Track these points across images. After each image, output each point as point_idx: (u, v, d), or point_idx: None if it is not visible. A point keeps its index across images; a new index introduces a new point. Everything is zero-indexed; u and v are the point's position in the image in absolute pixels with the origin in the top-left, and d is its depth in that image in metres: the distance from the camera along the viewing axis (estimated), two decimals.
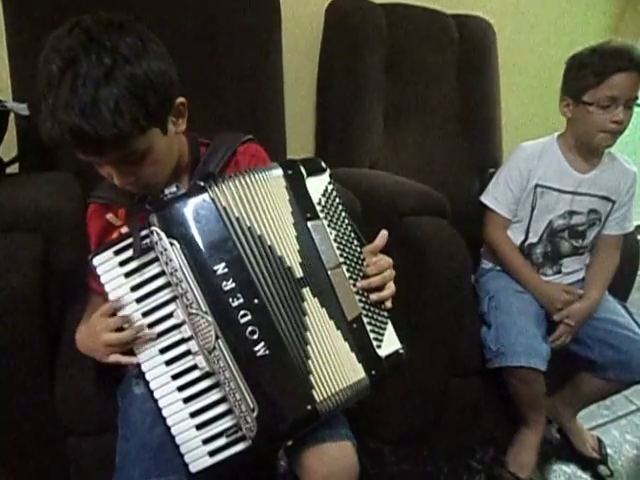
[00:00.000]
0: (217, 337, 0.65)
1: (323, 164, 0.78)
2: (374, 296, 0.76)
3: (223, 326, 0.65)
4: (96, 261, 0.68)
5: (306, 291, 0.71)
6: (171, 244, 0.64)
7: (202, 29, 1.33)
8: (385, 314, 0.78)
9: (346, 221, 0.77)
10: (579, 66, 1.20)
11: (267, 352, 0.66)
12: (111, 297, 0.68)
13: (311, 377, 0.69)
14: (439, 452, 1.34)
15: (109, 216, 0.81)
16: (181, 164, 0.79)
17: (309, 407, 0.69)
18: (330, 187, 0.77)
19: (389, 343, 0.77)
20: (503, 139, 1.84)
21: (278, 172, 0.73)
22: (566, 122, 1.29)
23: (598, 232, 1.32)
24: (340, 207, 0.77)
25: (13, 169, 1.19)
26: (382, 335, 0.77)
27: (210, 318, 0.65)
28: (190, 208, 0.66)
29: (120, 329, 0.68)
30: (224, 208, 0.67)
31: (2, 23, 1.20)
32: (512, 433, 1.31)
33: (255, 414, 0.66)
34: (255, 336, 0.66)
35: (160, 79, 0.65)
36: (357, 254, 0.77)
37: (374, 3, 1.57)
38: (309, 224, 0.73)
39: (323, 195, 0.76)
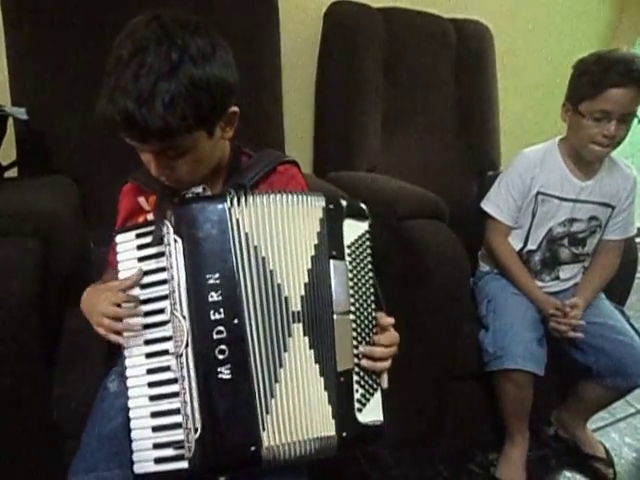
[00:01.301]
0: (187, 344, 0.64)
1: (367, 212, 0.75)
2: (365, 362, 0.71)
3: (195, 335, 0.63)
4: (119, 238, 0.70)
5: (297, 327, 0.67)
6: (175, 241, 0.65)
7: None
8: (377, 381, 0.73)
9: (370, 274, 0.73)
10: (580, 73, 1.20)
11: (229, 376, 0.63)
12: (120, 276, 0.70)
13: (268, 417, 0.65)
14: (439, 456, 1.34)
15: (141, 199, 0.81)
16: (219, 168, 0.79)
17: (253, 448, 0.63)
18: (366, 237, 0.73)
19: (371, 411, 0.71)
20: (501, 142, 1.84)
21: (320, 202, 0.71)
22: (567, 128, 1.27)
23: (599, 239, 1.32)
24: (369, 259, 0.73)
25: (12, 173, 1.20)
26: (367, 401, 0.71)
27: (186, 324, 0.64)
28: (203, 212, 0.65)
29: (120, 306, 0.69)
30: (237, 220, 0.66)
31: (1, 28, 1.20)
32: None
33: (197, 435, 0.62)
34: (223, 356, 0.63)
35: (219, 86, 0.66)
36: (369, 314, 0.72)
37: (372, 7, 1.58)
38: (332, 262, 0.70)
39: (356, 241, 0.73)
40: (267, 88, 1.44)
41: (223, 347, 0.63)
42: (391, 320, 0.75)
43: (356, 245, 0.73)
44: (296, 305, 0.68)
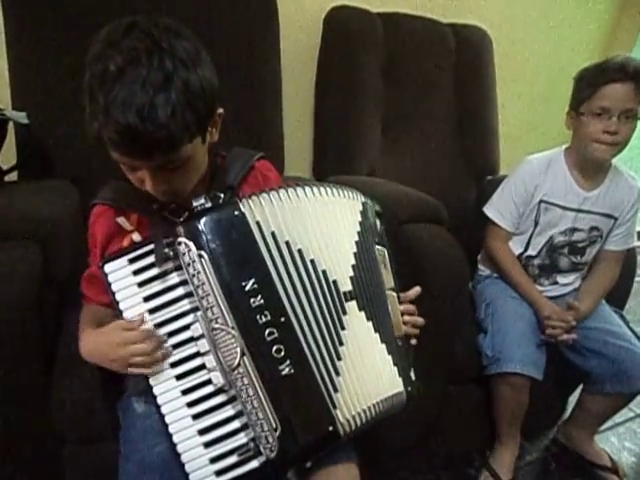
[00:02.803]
0: (243, 354, 0.64)
1: (381, 211, 0.85)
2: (411, 329, 0.82)
3: (249, 343, 0.64)
4: (108, 268, 0.67)
5: (351, 305, 0.72)
6: (200, 256, 0.63)
7: (200, 37, 1.34)
8: (412, 347, 0.83)
9: (392, 263, 0.82)
10: (579, 79, 1.21)
11: (292, 371, 0.65)
12: (121, 306, 0.67)
13: (338, 395, 0.69)
14: (438, 460, 1.34)
15: (120, 220, 0.77)
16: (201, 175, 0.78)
17: (330, 428, 0.68)
18: (384, 233, 0.83)
19: (412, 371, 0.81)
20: (501, 147, 1.85)
21: (360, 197, 0.79)
22: (571, 136, 1.27)
23: (599, 249, 1.31)
24: (389, 250, 0.82)
25: (12, 177, 1.20)
26: (410, 362, 0.81)
27: (236, 334, 0.64)
28: (220, 220, 0.65)
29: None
30: (257, 222, 0.66)
31: (2, 33, 1.21)
32: None
33: (277, 434, 0.64)
34: (281, 354, 0.65)
35: (210, 89, 0.65)
36: (398, 291, 0.82)
37: (372, 12, 1.59)
38: (377, 247, 0.79)
39: (383, 234, 0.82)
40: (267, 92, 1.45)
41: (278, 346, 0.65)
42: (419, 289, 0.86)
43: (382, 236, 0.82)
44: (346, 285, 0.72)
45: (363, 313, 0.73)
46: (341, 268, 0.72)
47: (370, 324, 0.74)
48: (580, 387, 1.38)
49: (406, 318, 0.82)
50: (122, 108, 0.58)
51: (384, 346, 0.75)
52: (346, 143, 1.57)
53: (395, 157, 1.63)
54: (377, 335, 0.75)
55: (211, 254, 0.64)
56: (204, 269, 0.64)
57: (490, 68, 1.80)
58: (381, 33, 1.57)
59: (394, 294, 0.81)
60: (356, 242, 0.75)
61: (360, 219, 0.77)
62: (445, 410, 1.27)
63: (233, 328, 0.64)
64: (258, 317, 0.64)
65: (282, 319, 0.66)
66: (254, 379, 0.64)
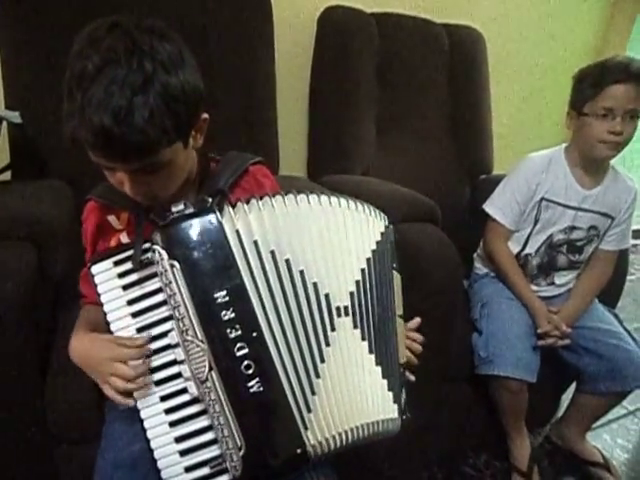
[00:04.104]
0: (210, 368, 0.62)
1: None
2: (414, 358, 0.81)
3: (218, 357, 0.62)
4: (94, 269, 0.66)
5: (342, 321, 0.68)
6: (172, 266, 0.62)
7: (193, 38, 1.32)
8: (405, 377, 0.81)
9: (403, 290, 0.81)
10: (581, 79, 1.22)
11: (261, 389, 0.63)
12: (106, 308, 0.66)
13: (311, 415, 0.65)
14: (432, 458, 1.34)
15: (110, 218, 0.77)
16: (189, 178, 0.76)
17: (298, 451, 0.65)
18: (396, 258, 0.80)
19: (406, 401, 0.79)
20: (494, 146, 1.86)
21: (385, 218, 0.79)
22: (571, 136, 1.28)
23: (595, 248, 1.32)
24: (400, 274, 0.80)
25: (5, 177, 1.20)
26: (406, 390, 0.79)
27: (205, 347, 0.62)
28: (195, 229, 0.62)
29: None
30: (237, 231, 0.64)
31: None
32: (504, 438, 1.33)
33: (242, 453, 0.62)
34: (250, 371, 0.62)
35: (192, 93, 0.62)
36: (404, 320, 0.81)
37: (366, 12, 1.59)
38: (394, 272, 0.77)
39: (396, 261, 0.80)
40: (261, 92, 1.45)
41: (248, 362, 0.63)
42: (419, 320, 0.85)
43: (395, 261, 0.80)
44: (342, 300, 0.69)
45: (358, 331, 0.70)
46: (339, 282, 0.69)
47: (365, 344, 0.70)
48: (573, 386, 1.39)
49: (406, 342, 0.80)
50: (98, 109, 0.56)
51: (379, 368, 0.72)
52: (340, 142, 1.57)
53: (389, 156, 1.63)
54: (372, 356, 0.71)
55: (183, 263, 0.61)
56: (175, 279, 0.62)
57: (483, 68, 1.80)
58: (375, 33, 1.58)
59: (402, 321, 0.79)
60: (367, 259, 0.72)
61: (379, 239, 0.75)
62: (439, 407, 1.28)
63: (202, 341, 0.62)
64: (228, 331, 0.62)
65: (254, 334, 0.63)
66: (221, 395, 0.62)
